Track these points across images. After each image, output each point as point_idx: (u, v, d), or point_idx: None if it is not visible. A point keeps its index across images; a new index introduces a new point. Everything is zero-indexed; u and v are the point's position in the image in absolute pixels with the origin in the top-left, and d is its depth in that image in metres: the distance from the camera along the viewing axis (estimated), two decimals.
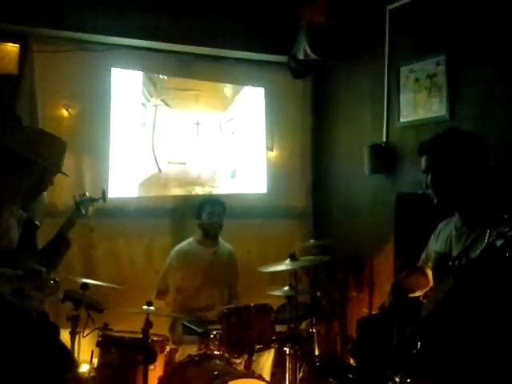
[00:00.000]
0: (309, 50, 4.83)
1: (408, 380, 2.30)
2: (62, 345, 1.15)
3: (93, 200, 3.60)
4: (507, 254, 1.82)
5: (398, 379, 2.32)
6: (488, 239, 1.87)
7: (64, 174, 3.11)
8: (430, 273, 2.54)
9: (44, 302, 2.98)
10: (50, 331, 1.11)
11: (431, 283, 2.51)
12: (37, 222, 3.12)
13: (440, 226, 2.55)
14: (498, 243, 1.83)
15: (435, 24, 4.02)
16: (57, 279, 3.06)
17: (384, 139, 4.52)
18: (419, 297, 2.50)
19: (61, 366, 1.08)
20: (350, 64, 5.05)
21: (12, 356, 0.99)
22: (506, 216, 1.83)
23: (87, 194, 3.61)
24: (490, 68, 3.59)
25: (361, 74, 4.93)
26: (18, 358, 0.99)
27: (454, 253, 2.25)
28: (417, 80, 4.16)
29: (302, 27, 4.91)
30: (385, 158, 4.47)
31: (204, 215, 4.51)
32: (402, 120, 4.34)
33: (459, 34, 3.80)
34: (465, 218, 2.30)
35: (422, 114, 4.12)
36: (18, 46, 4.39)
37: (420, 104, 4.14)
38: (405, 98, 4.29)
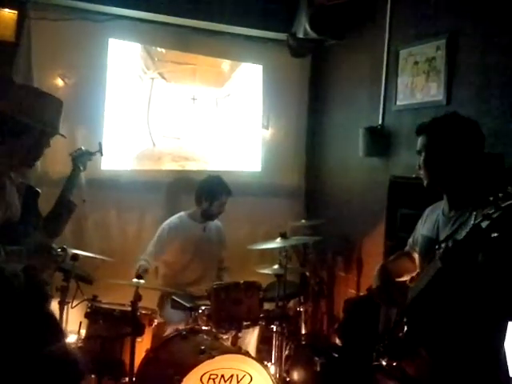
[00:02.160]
0: (309, 29, 4.79)
1: (394, 363, 2.32)
2: (49, 314, 1.14)
3: (90, 154, 3.40)
4: (493, 236, 1.84)
5: (384, 362, 2.34)
6: (474, 221, 1.88)
7: (62, 135, 2.92)
8: (416, 257, 2.55)
9: (53, 273, 2.97)
10: (37, 299, 1.10)
11: (418, 268, 2.52)
12: (38, 189, 3.00)
13: (427, 210, 2.55)
14: (484, 225, 1.84)
15: (437, 8, 3.99)
16: (64, 246, 2.99)
17: (380, 122, 4.51)
18: (406, 281, 2.51)
19: (48, 335, 1.07)
20: (349, 44, 5.02)
21: None
22: (491, 198, 1.84)
23: (83, 148, 3.41)
24: (489, 56, 3.57)
25: (359, 55, 4.91)
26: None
27: (442, 237, 2.26)
28: (416, 63, 4.14)
29: (302, 5, 4.87)
30: (380, 140, 4.47)
31: (216, 203, 4.45)
32: (398, 103, 4.34)
33: (461, 20, 3.78)
34: (453, 202, 2.31)
35: (419, 98, 4.11)
36: (15, 12, 4.33)
37: (417, 88, 4.12)
38: (402, 81, 4.28)
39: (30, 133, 2.74)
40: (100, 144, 3.59)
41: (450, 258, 1.97)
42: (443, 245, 2.03)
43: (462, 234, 1.93)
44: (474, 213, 1.89)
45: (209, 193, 4.47)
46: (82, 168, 3.32)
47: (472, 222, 1.88)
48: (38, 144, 2.80)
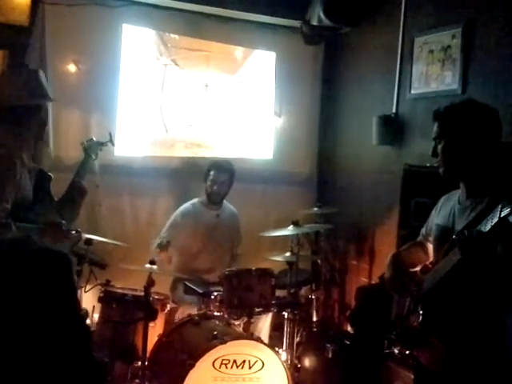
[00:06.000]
0: (323, 16, 4.76)
1: (407, 351, 2.31)
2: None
3: (101, 144, 3.49)
4: None
5: (396, 350, 2.33)
6: (499, 214, 1.84)
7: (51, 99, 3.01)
8: (430, 247, 2.52)
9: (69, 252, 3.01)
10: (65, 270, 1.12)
11: (430, 258, 2.49)
12: (50, 173, 3.06)
13: (441, 200, 2.51)
14: (511, 219, 1.80)
15: None
16: (78, 229, 3.06)
17: (394, 110, 4.49)
18: (418, 271, 2.49)
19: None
20: (364, 32, 4.99)
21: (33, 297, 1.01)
22: None
23: (94, 138, 3.52)
24: (506, 44, 3.55)
25: (374, 42, 4.88)
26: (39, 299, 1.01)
27: (458, 226, 2.22)
28: (431, 52, 4.12)
29: None
30: (393, 129, 4.46)
31: (208, 181, 4.50)
32: (413, 92, 4.31)
33: (477, 8, 3.75)
34: (470, 190, 2.27)
35: (433, 87, 4.09)
36: None
37: (432, 76, 4.10)
38: (417, 70, 4.25)
39: (30, 113, 2.84)
40: (110, 134, 3.65)
41: (471, 248, 1.94)
42: (466, 233, 1.99)
43: (487, 225, 1.89)
44: (500, 206, 1.85)
45: (205, 172, 4.53)
46: (93, 157, 3.41)
47: (498, 215, 1.85)
48: (39, 119, 2.90)
